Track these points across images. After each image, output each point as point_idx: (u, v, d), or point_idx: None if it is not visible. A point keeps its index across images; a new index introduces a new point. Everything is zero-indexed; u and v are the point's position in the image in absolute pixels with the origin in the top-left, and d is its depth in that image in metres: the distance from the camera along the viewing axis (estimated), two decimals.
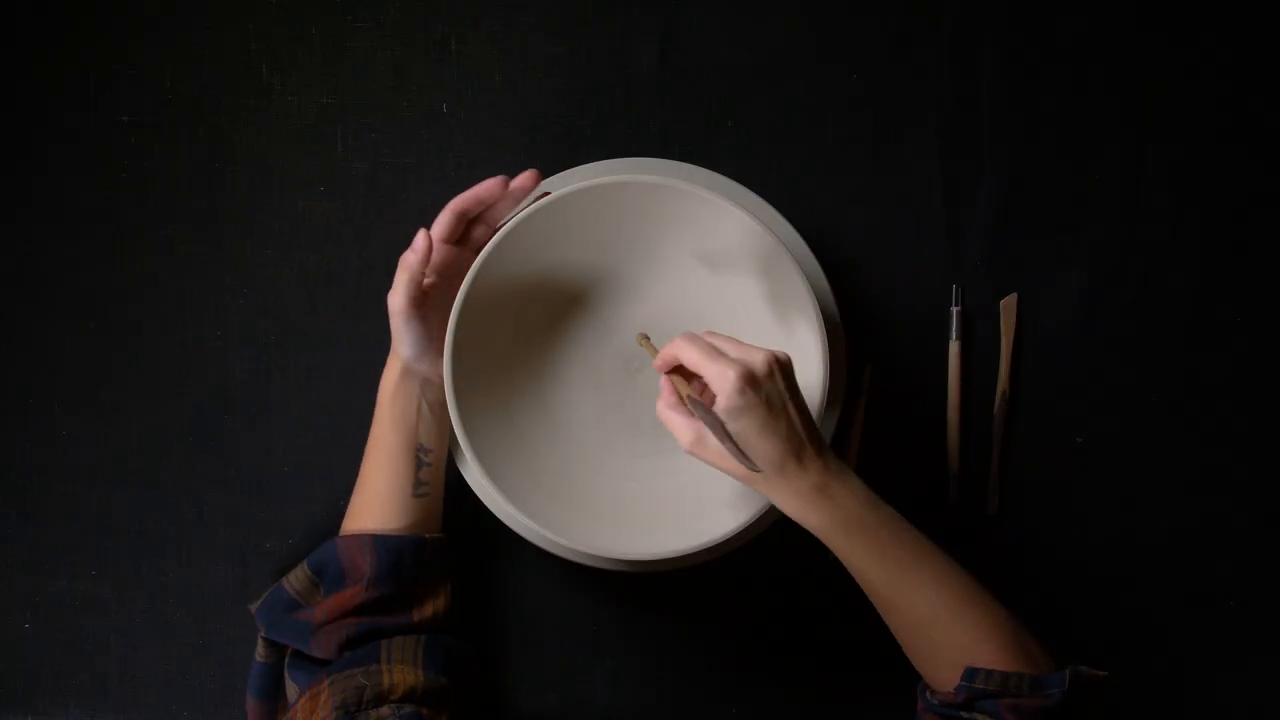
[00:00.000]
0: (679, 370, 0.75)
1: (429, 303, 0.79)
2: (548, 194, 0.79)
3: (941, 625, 0.74)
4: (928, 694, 0.75)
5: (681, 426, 0.73)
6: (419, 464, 0.83)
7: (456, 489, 0.88)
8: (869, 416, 0.91)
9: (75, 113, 0.90)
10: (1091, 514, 0.92)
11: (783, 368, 0.72)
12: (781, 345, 0.83)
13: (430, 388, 0.82)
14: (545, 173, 0.87)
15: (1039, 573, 0.92)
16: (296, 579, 0.83)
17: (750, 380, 0.70)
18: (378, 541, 0.81)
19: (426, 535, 0.84)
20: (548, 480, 0.84)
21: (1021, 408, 0.91)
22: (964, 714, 0.73)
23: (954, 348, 0.90)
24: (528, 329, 0.85)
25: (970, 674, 0.72)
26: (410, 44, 0.90)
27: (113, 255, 0.91)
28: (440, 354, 0.80)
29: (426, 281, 0.79)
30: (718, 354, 0.72)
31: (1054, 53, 0.90)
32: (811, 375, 0.82)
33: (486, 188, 0.79)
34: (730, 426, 0.71)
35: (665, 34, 0.90)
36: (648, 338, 0.84)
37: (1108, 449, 0.91)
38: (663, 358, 0.74)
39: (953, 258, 0.91)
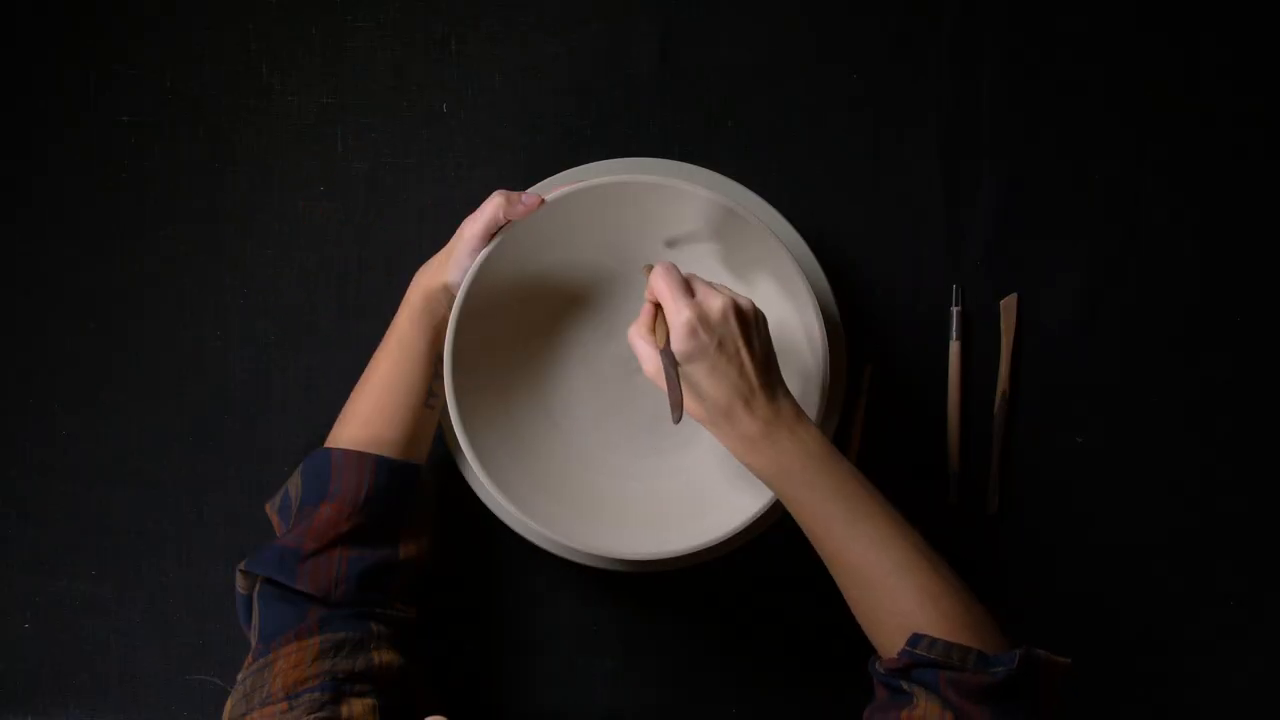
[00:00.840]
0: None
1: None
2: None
3: (883, 587, 0.73)
4: (876, 664, 0.74)
5: (646, 355, 0.74)
6: (436, 373, 0.82)
7: (458, 489, 0.88)
8: (869, 416, 0.91)
9: (75, 113, 0.90)
10: (1091, 514, 0.92)
11: (740, 314, 0.73)
12: (781, 346, 0.83)
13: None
14: (545, 173, 0.87)
15: (1039, 573, 0.91)
16: (294, 485, 0.82)
17: (703, 324, 0.72)
18: (380, 463, 0.80)
19: (420, 464, 0.83)
20: (548, 480, 0.84)
21: (1021, 408, 0.91)
22: (903, 683, 0.71)
23: (954, 348, 0.90)
24: (528, 329, 0.85)
25: (914, 639, 0.71)
26: (410, 44, 0.90)
27: (113, 255, 0.91)
28: None
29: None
30: (682, 293, 0.73)
31: (1054, 53, 0.90)
32: (812, 375, 0.82)
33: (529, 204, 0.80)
34: (682, 365, 0.72)
35: (665, 34, 0.90)
36: (652, 268, 0.82)
37: (1108, 449, 0.91)
38: (649, 283, 0.75)
39: (953, 258, 0.91)
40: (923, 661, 0.70)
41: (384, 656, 0.78)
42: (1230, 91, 0.90)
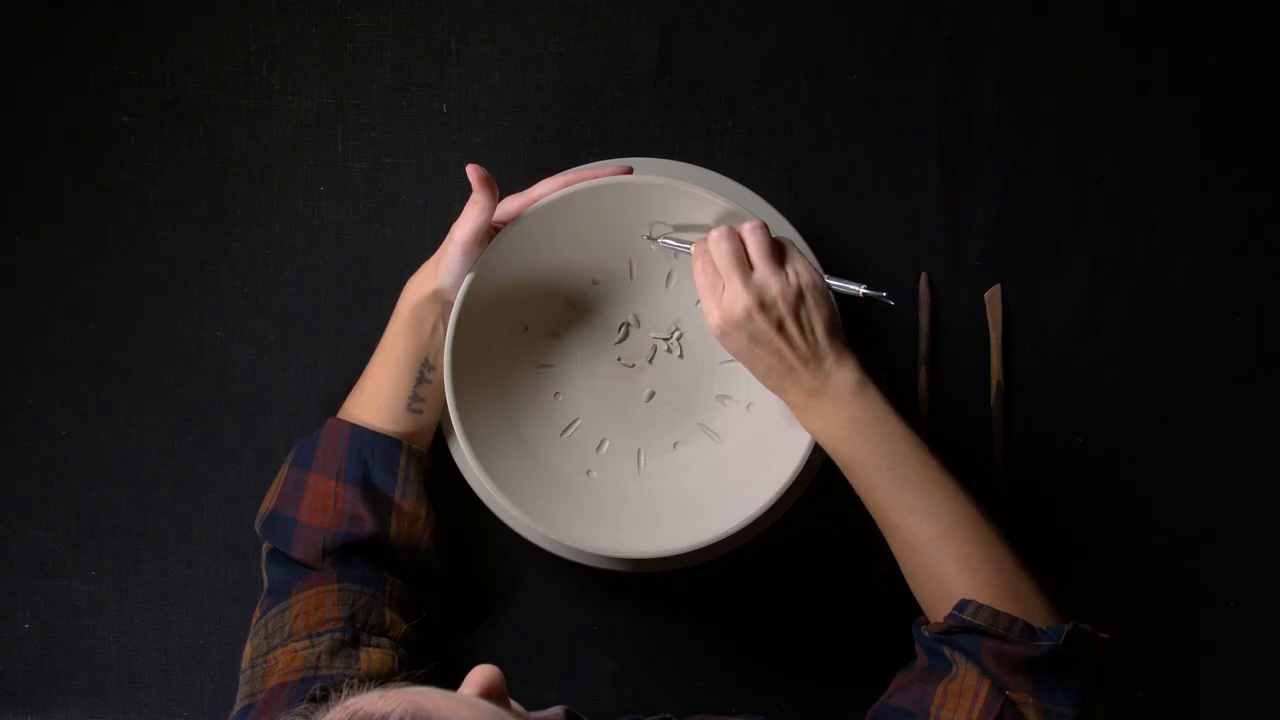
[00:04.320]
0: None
1: (484, 241, 0.80)
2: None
3: (923, 553, 0.75)
4: (921, 628, 0.76)
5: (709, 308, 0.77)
6: (420, 379, 0.83)
7: (457, 489, 0.88)
8: None
9: (75, 113, 0.90)
10: (1091, 514, 0.92)
11: (769, 305, 0.75)
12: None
13: (449, 309, 0.82)
14: (545, 173, 0.87)
15: (1038, 572, 0.91)
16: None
17: (731, 323, 0.75)
18: (355, 432, 0.82)
19: (408, 444, 0.84)
20: (547, 480, 0.84)
21: (1022, 408, 0.91)
22: (945, 649, 0.72)
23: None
24: (528, 328, 0.85)
25: (962, 604, 0.72)
26: (410, 44, 0.90)
27: (113, 255, 0.91)
28: None
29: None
30: (714, 285, 0.76)
31: (1054, 53, 0.90)
32: None
33: (609, 172, 0.81)
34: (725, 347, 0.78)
35: (665, 34, 0.90)
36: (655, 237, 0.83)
37: (1108, 449, 0.91)
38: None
39: (953, 258, 0.91)
40: (967, 627, 0.71)
41: (396, 618, 0.80)
42: (1230, 91, 0.90)
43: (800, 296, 0.75)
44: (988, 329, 0.91)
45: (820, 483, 0.85)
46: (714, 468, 0.86)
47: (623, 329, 0.86)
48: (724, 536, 0.81)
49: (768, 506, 0.80)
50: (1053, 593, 0.75)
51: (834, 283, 0.78)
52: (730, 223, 0.81)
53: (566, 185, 0.80)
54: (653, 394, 0.87)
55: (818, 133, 0.90)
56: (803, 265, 0.76)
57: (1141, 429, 0.91)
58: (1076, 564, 0.92)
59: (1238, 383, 0.91)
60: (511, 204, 0.81)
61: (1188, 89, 0.90)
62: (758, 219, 0.77)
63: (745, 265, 0.75)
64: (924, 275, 0.90)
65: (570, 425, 0.87)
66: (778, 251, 0.77)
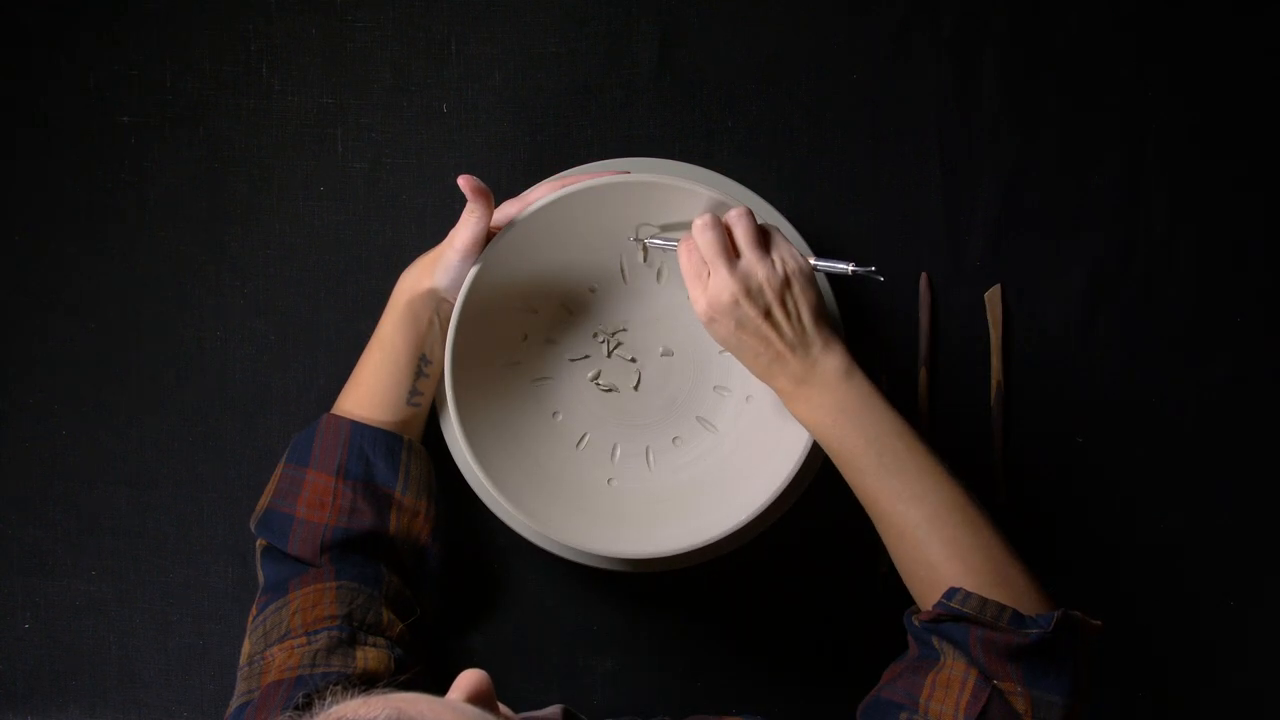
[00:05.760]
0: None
1: (483, 247, 0.81)
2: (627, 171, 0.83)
3: (912, 540, 0.75)
4: (912, 617, 0.75)
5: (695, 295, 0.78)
6: (418, 373, 0.83)
7: (457, 489, 0.88)
8: None
9: (76, 113, 0.90)
10: (1091, 514, 0.92)
11: (756, 291, 0.76)
12: None
13: (444, 305, 0.82)
14: (545, 173, 0.87)
15: (1038, 573, 0.91)
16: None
17: (717, 309, 0.76)
18: (355, 428, 0.82)
19: (407, 437, 0.84)
20: (547, 480, 0.84)
21: (1022, 408, 0.91)
22: (933, 639, 0.72)
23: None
24: (527, 329, 0.85)
25: (950, 593, 0.72)
26: (410, 44, 0.90)
27: (113, 255, 0.91)
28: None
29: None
30: (698, 274, 0.77)
31: (1054, 53, 0.90)
32: None
33: (607, 174, 0.81)
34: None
35: (665, 34, 0.90)
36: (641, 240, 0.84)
37: (1108, 449, 0.91)
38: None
39: (953, 258, 0.91)
40: (955, 615, 0.71)
41: (392, 617, 0.80)
42: (1230, 91, 0.90)
43: (786, 282, 0.76)
44: (988, 329, 0.91)
45: (820, 483, 0.85)
46: (713, 467, 0.86)
47: (603, 340, 0.87)
48: (723, 536, 0.81)
49: (765, 506, 0.81)
50: (1052, 592, 0.75)
51: (822, 264, 0.79)
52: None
53: (563, 187, 0.80)
54: (651, 394, 0.87)
55: (818, 133, 0.90)
56: (788, 251, 0.77)
57: (1141, 429, 0.91)
58: (1076, 564, 0.92)
59: (1238, 383, 0.91)
60: (508, 209, 0.81)
61: (1188, 89, 0.90)
62: (743, 205, 0.78)
63: (730, 252, 0.76)
64: (924, 275, 0.90)
65: (571, 425, 0.87)
66: (763, 238, 0.77)
